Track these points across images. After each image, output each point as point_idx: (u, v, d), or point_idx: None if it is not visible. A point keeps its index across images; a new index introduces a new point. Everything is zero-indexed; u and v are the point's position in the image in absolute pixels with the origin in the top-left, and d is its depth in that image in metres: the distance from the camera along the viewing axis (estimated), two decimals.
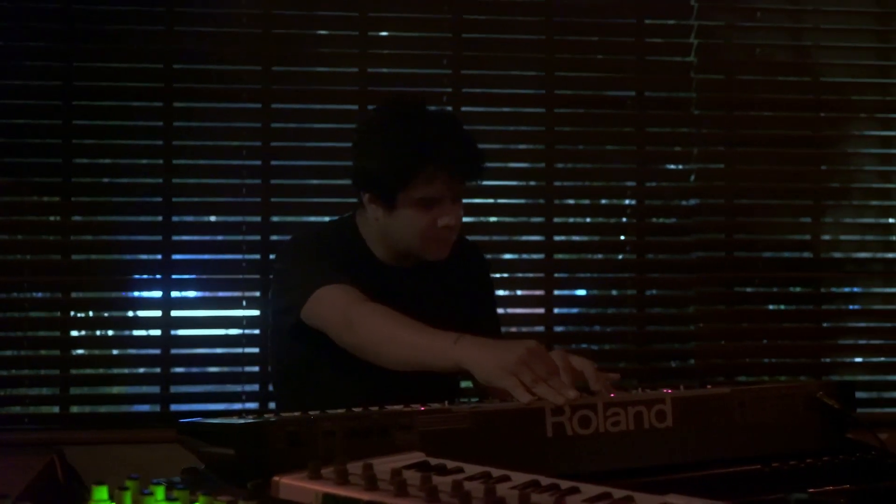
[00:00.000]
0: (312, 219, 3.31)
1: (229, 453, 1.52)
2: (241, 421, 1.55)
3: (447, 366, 1.88)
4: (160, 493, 0.96)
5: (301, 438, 1.49)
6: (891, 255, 3.56)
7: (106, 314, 3.31)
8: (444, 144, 2.17)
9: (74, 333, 3.22)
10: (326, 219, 3.25)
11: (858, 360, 3.53)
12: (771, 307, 3.54)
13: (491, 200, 3.39)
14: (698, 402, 1.76)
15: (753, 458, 1.74)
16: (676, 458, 1.70)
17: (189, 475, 1.65)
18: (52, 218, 3.24)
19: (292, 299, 2.20)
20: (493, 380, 1.75)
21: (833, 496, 1.60)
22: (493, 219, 3.45)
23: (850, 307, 3.59)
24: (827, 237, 3.54)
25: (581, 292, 3.51)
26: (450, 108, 3.20)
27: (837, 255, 3.56)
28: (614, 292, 3.50)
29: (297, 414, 1.59)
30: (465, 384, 2.84)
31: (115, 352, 3.31)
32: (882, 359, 3.54)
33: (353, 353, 2.08)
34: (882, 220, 3.59)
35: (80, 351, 3.28)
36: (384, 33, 3.35)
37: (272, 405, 3.20)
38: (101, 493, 0.97)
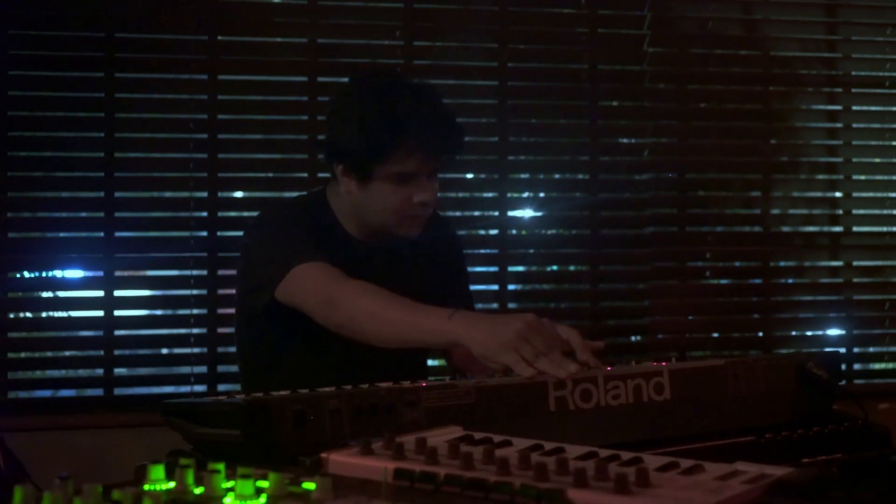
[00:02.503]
0: (263, 194, 3.26)
1: (230, 433, 1.50)
2: (242, 400, 1.53)
3: (442, 342, 1.88)
4: (222, 469, 0.94)
5: (307, 417, 1.47)
6: (836, 229, 3.64)
7: (45, 294, 3.21)
8: (423, 119, 2.16)
9: (12, 316, 3.12)
10: (277, 194, 3.26)
11: (808, 333, 3.60)
12: (722, 282, 3.60)
13: (444, 175, 3.37)
14: (694, 375, 1.80)
15: (746, 428, 1.78)
16: (674, 430, 1.74)
17: (174, 458, 1.62)
18: None
19: (265, 278, 2.17)
20: (493, 356, 1.76)
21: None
22: (446, 194, 3.44)
23: (798, 281, 3.67)
24: (776, 211, 3.62)
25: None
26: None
27: (786, 228, 3.64)
28: (569, 268, 3.52)
29: (296, 392, 1.57)
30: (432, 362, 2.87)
31: (55, 334, 3.22)
32: (828, 332, 3.63)
33: (335, 331, 2.06)
34: (829, 194, 3.67)
35: (17, 334, 3.18)
36: (335, 3, 3.30)
37: (221, 387, 3.16)
38: (159, 471, 0.94)
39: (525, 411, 1.64)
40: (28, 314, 3.20)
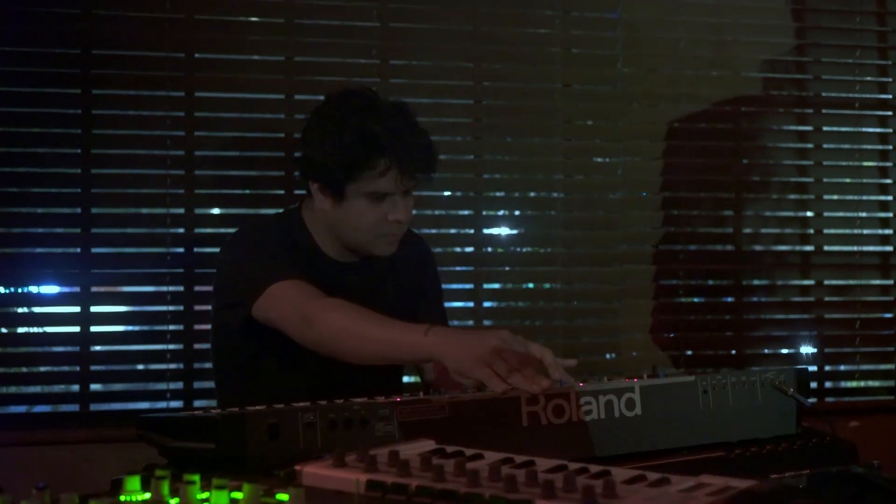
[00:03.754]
0: (240, 211, 3.27)
1: (204, 447, 1.51)
2: (217, 414, 1.54)
3: (417, 358, 1.90)
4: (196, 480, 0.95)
5: (281, 430, 1.49)
6: (807, 248, 3.68)
7: (21, 310, 3.21)
8: (397, 139, 2.17)
9: None
10: (253, 211, 3.28)
11: (780, 351, 3.64)
12: (694, 300, 3.63)
13: (420, 193, 3.38)
14: (665, 391, 1.82)
15: (716, 444, 1.81)
16: (645, 445, 1.75)
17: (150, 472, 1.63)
18: None
19: (241, 295, 2.18)
20: (467, 371, 1.77)
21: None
22: (422, 212, 3.46)
23: (770, 299, 3.70)
24: (748, 230, 3.66)
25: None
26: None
27: (758, 247, 3.67)
28: (543, 286, 3.54)
29: (271, 406, 1.59)
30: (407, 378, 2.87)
31: (30, 350, 3.21)
32: (798, 350, 3.67)
33: (311, 349, 2.07)
34: (800, 214, 3.71)
35: None
36: (311, 21, 3.32)
37: (197, 403, 3.16)
38: (135, 482, 0.96)
39: (498, 426, 1.65)
40: (3, 329, 3.18)
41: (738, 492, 0.92)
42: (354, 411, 1.54)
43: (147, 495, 0.95)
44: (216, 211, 3.27)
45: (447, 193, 3.47)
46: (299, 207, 2.39)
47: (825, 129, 3.71)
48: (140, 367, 3.20)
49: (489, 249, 3.46)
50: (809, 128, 3.71)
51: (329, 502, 0.90)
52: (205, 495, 0.94)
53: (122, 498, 0.94)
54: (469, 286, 3.41)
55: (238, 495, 0.93)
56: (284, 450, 1.47)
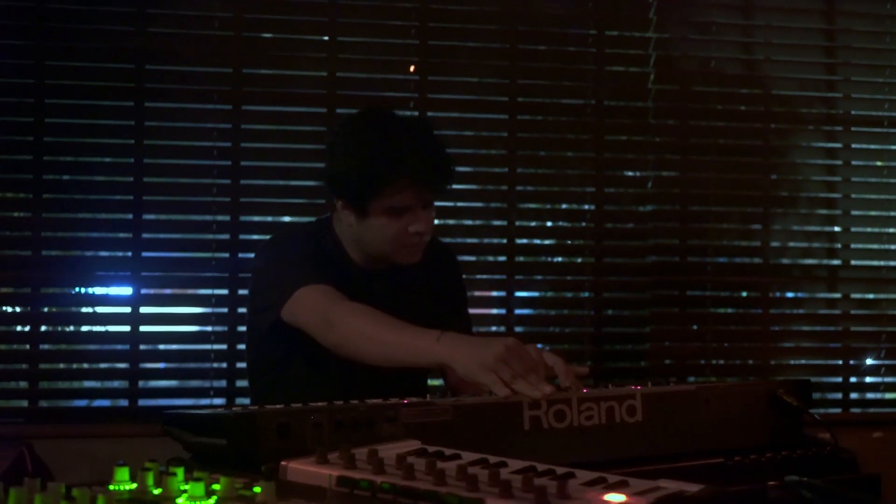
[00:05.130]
0: (283, 219, 3.33)
1: (219, 443, 1.55)
2: (232, 412, 1.58)
3: (430, 362, 1.92)
4: (181, 473, 0.99)
5: (291, 429, 1.52)
6: (835, 262, 3.65)
7: (75, 310, 3.29)
8: (414, 155, 2.18)
9: (44, 328, 3.20)
10: (295, 219, 3.32)
11: (804, 362, 3.61)
12: (721, 311, 3.61)
13: (454, 204, 3.42)
14: (666, 398, 1.81)
15: (717, 451, 1.80)
16: (645, 450, 1.75)
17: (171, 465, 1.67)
18: (22, 214, 3.22)
19: (271, 299, 2.22)
20: (474, 376, 1.79)
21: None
22: (456, 221, 3.49)
23: (796, 311, 3.68)
24: (776, 244, 3.63)
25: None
26: (416, 114, 3.25)
27: (785, 261, 3.65)
28: (573, 294, 3.55)
29: (286, 406, 1.62)
30: (433, 382, 2.90)
31: (84, 347, 3.30)
32: (825, 361, 3.64)
33: (333, 351, 2.10)
34: (827, 229, 3.68)
35: (48, 346, 3.25)
36: (353, 38, 3.37)
37: (240, 401, 3.21)
38: (123, 473, 1.00)
39: (500, 429, 1.66)
40: (59, 328, 3.27)
41: (665, 495, 0.94)
42: (360, 413, 1.56)
43: (134, 485, 0.99)
44: (259, 218, 3.32)
45: (481, 204, 3.49)
46: (330, 217, 2.42)
47: (854, 146, 3.67)
48: (186, 365, 3.27)
49: (521, 259, 3.47)
50: (838, 145, 3.68)
51: (304, 496, 0.93)
52: (186, 486, 0.97)
53: (111, 487, 0.99)
54: (502, 294, 3.43)
55: (216, 486, 0.97)
56: (293, 448, 1.50)
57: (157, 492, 0.98)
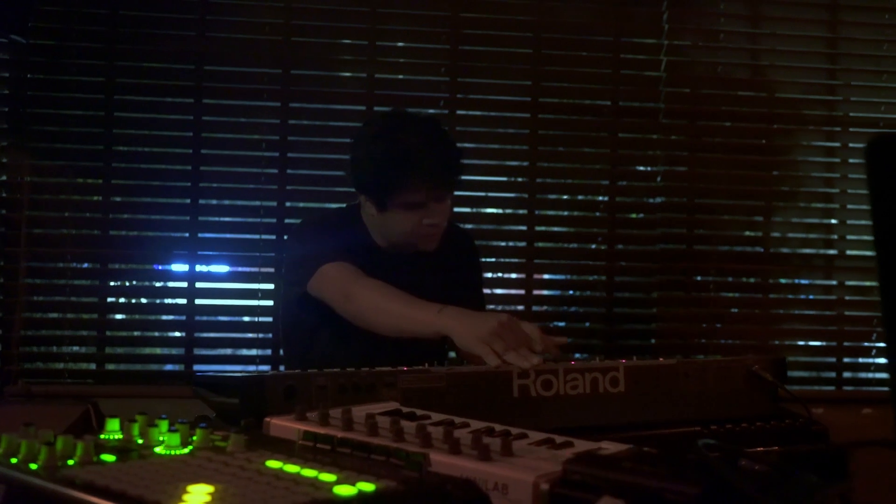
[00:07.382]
0: (324, 205, 3.34)
1: (234, 402, 1.55)
2: (244, 374, 1.58)
3: (430, 333, 1.91)
4: (164, 426, 0.99)
5: (297, 391, 1.52)
6: (831, 252, 3.57)
7: (139, 284, 3.33)
8: (424, 156, 2.18)
9: (111, 300, 3.24)
10: (334, 205, 3.32)
11: (801, 343, 3.55)
12: (725, 295, 3.56)
13: (481, 194, 3.40)
14: (648, 371, 1.78)
15: (695, 421, 1.76)
16: (627, 419, 1.72)
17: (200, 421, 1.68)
18: (93, 198, 3.26)
19: (300, 274, 2.23)
20: (469, 347, 1.78)
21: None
22: (482, 210, 3.47)
23: (795, 297, 3.61)
24: (776, 234, 3.57)
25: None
26: (432, 112, 3.26)
27: (785, 250, 3.58)
28: (588, 277, 3.51)
29: (295, 371, 1.62)
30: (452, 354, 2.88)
31: (146, 317, 3.33)
32: (820, 343, 3.56)
33: (351, 321, 2.11)
34: (825, 221, 3.60)
35: (115, 316, 3.30)
36: (391, 43, 3.36)
37: (282, 368, 3.22)
38: (114, 424, 1.00)
39: (491, 397, 1.64)
40: (124, 300, 3.31)
41: (576, 453, 0.92)
42: (362, 378, 1.56)
43: (121, 435, 0.99)
44: (303, 204, 3.33)
45: (505, 195, 3.46)
46: (359, 204, 2.42)
47: (851, 145, 3.58)
48: (235, 335, 3.29)
49: (540, 244, 3.44)
50: (837, 144, 3.59)
51: (272, 448, 0.93)
52: (163, 437, 0.97)
53: (102, 436, 0.99)
54: (522, 276, 3.41)
55: (194, 438, 0.97)
56: (299, 409, 1.50)
57: (140, 441, 0.98)
